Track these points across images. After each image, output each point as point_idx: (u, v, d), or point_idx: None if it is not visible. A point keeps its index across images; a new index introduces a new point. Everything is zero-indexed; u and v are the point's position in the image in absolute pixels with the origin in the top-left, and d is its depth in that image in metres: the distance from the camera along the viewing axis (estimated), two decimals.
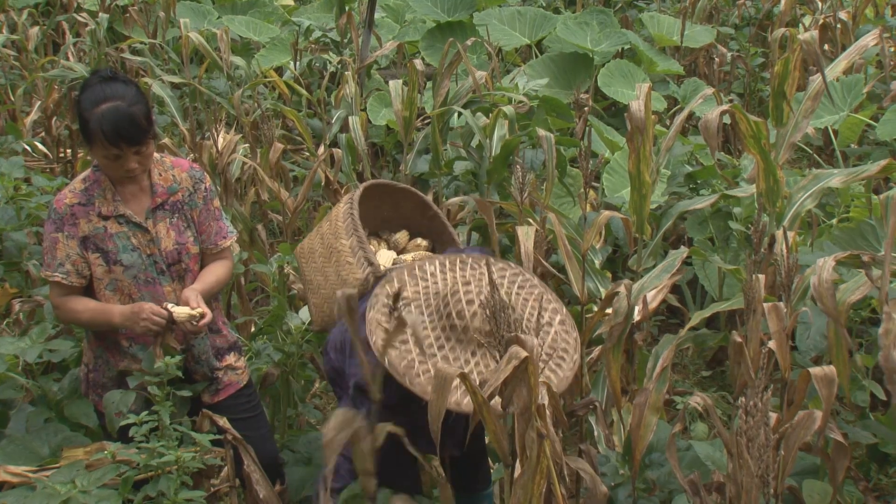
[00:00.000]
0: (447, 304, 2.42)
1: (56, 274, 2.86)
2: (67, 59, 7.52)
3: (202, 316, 2.84)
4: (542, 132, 4.59)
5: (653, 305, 3.64)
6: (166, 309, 2.82)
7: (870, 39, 4.20)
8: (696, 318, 3.93)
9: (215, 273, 3.03)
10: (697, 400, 2.87)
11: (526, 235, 3.06)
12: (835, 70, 4.20)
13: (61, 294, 2.89)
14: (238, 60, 7.01)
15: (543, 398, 2.16)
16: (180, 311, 2.82)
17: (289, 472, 3.35)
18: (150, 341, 2.87)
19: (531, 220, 3.78)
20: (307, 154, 6.78)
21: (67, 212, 2.86)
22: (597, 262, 4.27)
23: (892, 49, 7.52)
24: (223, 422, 2.78)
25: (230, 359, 3.12)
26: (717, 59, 7.85)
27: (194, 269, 3.00)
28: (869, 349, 4.07)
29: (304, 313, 3.71)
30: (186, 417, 2.76)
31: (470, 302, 2.41)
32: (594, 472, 2.64)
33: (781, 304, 3.03)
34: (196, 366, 3.02)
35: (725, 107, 3.97)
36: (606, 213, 3.64)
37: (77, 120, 2.84)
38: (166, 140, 5.21)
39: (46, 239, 2.89)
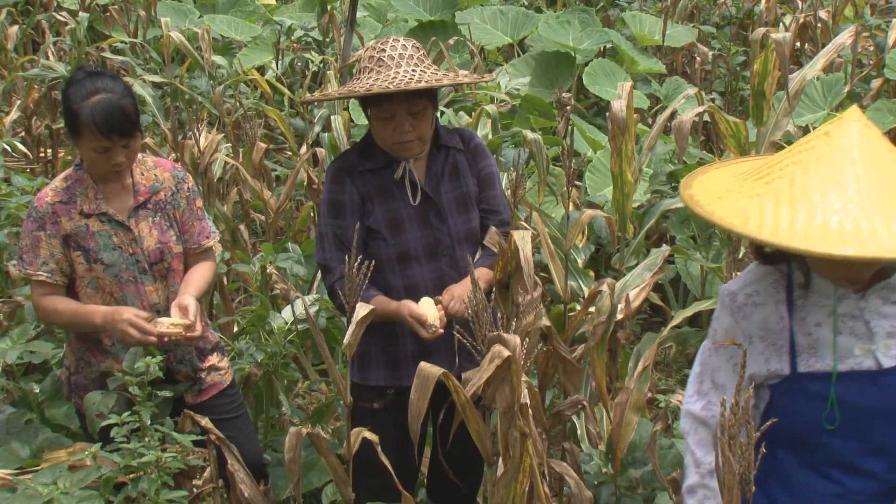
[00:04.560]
0: None
1: (40, 272, 2.84)
2: (47, 58, 7.47)
3: (190, 328, 2.81)
4: (530, 134, 4.59)
5: (635, 304, 3.66)
6: (155, 321, 2.78)
7: (846, 37, 4.22)
8: (679, 316, 3.94)
9: (203, 276, 3.02)
10: (680, 398, 2.88)
11: (523, 240, 2.98)
12: (814, 68, 4.23)
13: (44, 293, 2.87)
14: (220, 60, 6.98)
15: (526, 397, 2.16)
16: (171, 324, 2.78)
17: (272, 472, 3.35)
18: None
19: (524, 223, 3.78)
20: (290, 153, 6.77)
21: (49, 210, 2.85)
22: (580, 261, 4.28)
23: (872, 48, 7.57)
24: (206, 422, 2.77)
25: (213, 359, 3.11)
26: (698, 58, 7.89)
27: (177, 268, 2.99)
28: None
29: (287, 313, 3.70)
30: (169, 418, 2.75)
31: None
32: (578, 478, 2.65)
33: None
34: (178, 366, 3.01)
35: (700, 108, 3.99)
36: (589, 212, 3.65)
37: (64, 113, 2.82)
38: (148, 139, 5.19)
39: (27, 237, 2.86)
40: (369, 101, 2.79)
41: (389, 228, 2.84)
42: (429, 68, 2.75)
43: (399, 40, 2.78)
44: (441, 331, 2.72)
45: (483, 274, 2.87)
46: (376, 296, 2.79)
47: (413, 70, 2.70)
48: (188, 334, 2.80)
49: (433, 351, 2.85)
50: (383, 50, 2.75)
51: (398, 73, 2.69)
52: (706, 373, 2.19)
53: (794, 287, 2.07)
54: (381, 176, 2.86)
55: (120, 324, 2.74)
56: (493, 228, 2.92)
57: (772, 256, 2.11)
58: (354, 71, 2.85)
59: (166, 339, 2.77)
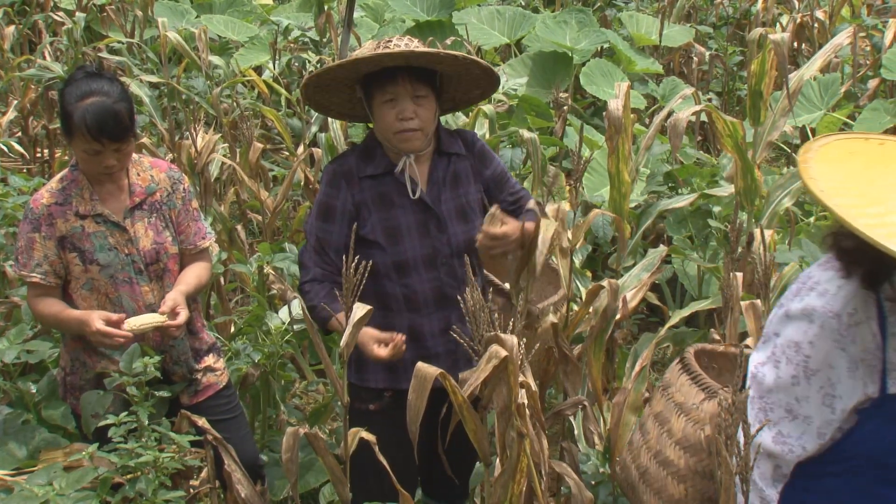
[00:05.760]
0: None
1: (34, 274, 2.84)
2: (44, 58, 7.46)
3: (174, 320, 2.82)
4: (526, 134, 4.59)
5: (632, 304, 3.66)
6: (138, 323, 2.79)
7: (844, 38, 4.23)
8: (676, 316, 3.95)
9: (196, 274, 3.02)
10: None
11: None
12: (811, 69, 4.23)
13: (37, 294, 2.88)
14: (217, 60, 6.97)
15: (523, 397, 2.16)
16: (143, 323, 2.79)
17: (269, 472, 3.34)
18: (129, 343, 2.85)
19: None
20: (286, 153, 6.76)
21: (44, 212, 2.84)
22: (577, 262, 4.28)
23: (868, 48, 7.58)
24: (202, 422, 2.77)
25: (209, 360, 3.11)
26: (695, 58, 7.89)
27: (173, 269, 2.98)
28: None
29: (284, 313, 3.70)
30: (165, 419, 2.75)
31: None
32: (578, 478, 2.64)
33: (759, 303, 3.05)
34: (175, 367, 3.00)
35: (697, 108, 4.00)
36: (595, 212, 3.65)
37: (59, 112, 2.82)
38: (145, 139, 5.19)
39: (22, 238, 2.86)
40: (374, 88, 2.74)
41: (387, 237, 2.80)
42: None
43: (404, 38, 2.78)
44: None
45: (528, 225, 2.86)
46: (340, 313, 2.71)
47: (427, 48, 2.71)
48: (168, 323, 2.80)
49: (432, 356, 2.84)
50: (389, 40, 2.74)
51: (408, 46, 2.70)
52: (779, 401, 1.95)
53: (883, 300, 1.90)
54: (381, 182, 2.82)
55: (92, 336, 2.76)
56: (532, 200, 2.96)
57: (878, 276, 1.86)
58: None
59: (139, 332, 2.78)
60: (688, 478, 2.24)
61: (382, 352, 2.68)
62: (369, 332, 2.69)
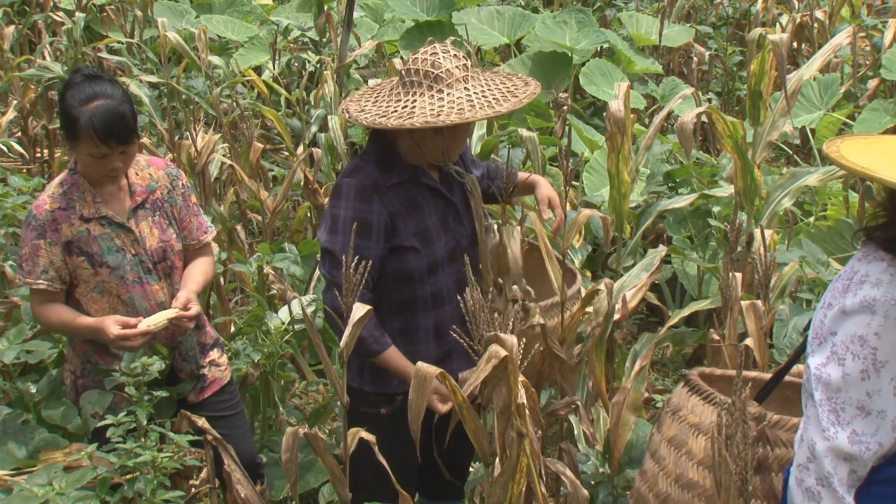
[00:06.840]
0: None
1: (39, 281, 2.83)
2: (44, 58, 7.46)
3: (187, 311, 2.83)
4: (525, 133, 4.59)
5: (632, 304, 3.66)
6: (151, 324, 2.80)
7: (843, 38, 4.24)
8: (675, 316, 3.95)
9: (202, 271, 3.03)
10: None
11: (511, 237, 2.90)
12: (810, 69, 4.23)
13: (42, 301, 2.87)
14: (216, 60, 6.98)
15: (523, 397, 2.16)
16: (157, 320, 2.80)
17: (269, 472, 3.34)
18: (147, 343, 2.85)
19: (513, 220, 3.78)
20: (286, 154, 6.76)
21: (48, 218, 2.82)
22: (577, 262, 4.28)
23: (868, 48, 7.59)
24: (202, 422, 2.76)
25: (213, 355, 3.11)
26: (695, 59, 7.89)
27: (179, 265, 2.99)
28: None
29: (284, 313, 3.70)
30: (169, 419, 2.75)
31: None
32: (575, 476, 2.64)
33: (759, 303, 3.06)
34: (183, 363, 3.01)
35: (701, 109, 4.00)
36: (586, 212, 3.64)
37: (61, 116, 2.80)
38: (145, 139, 5.19)
39: (26, 245, 2.84)
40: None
41: (421, 241, 2.79)
42: (489, 81, 2.73)
43: (445, 52, 2.72)
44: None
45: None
46: (391, 346, 2.75)
47: (486, 84, 2.69)
48: (182, 314, 2.81)
49: (453, 353, 2.85)
50: (438, 65, 2.68)
51: (468, 88, 2.66)
52: (849, 399, 1.87)
53: None
54: (405, 189, 2.80)
55: (111, 343, 2.77)
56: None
57: None
58: (404, 81, 2.72)
59: (157, 330, 2.80)
60: (715, 497, 2.22)
61: (444, 408, 2.68)
62: (435, 389, 2.67)
